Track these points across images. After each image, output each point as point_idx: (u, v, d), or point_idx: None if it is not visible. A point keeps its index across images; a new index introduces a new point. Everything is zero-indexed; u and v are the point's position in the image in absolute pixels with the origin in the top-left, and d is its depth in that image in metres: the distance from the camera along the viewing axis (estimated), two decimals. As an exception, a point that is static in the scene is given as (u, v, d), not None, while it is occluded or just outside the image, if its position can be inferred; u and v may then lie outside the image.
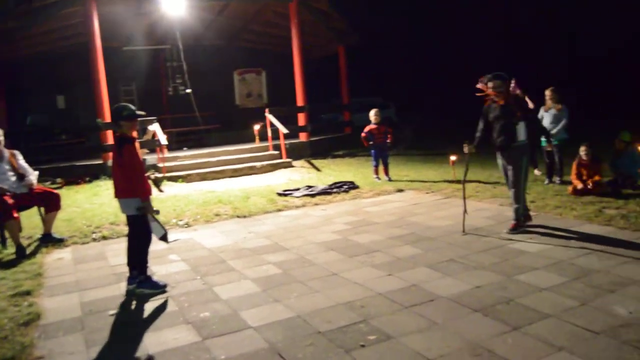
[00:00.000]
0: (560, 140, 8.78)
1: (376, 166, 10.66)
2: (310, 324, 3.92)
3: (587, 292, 4.20)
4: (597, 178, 7.81)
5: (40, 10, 12.31)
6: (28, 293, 4.95)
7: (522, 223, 6.19)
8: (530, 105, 9.49)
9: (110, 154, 11.81)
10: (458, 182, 6.60)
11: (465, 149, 6.28)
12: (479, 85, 6.20)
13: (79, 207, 8.94)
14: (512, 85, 9.35)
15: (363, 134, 10.65)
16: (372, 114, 10.63)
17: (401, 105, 25.23)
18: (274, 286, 4.84)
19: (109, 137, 12.34)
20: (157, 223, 5.04)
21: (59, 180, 11.64)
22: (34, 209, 6.98)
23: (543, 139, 8.92)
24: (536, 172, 9.72)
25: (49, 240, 6.75)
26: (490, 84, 6.08)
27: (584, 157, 8.06)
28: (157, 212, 5.08)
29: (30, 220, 7.43)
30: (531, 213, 6.68)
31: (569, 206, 7.15)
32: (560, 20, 28.01)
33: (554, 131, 8.74)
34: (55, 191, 7.11)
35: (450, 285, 4.56)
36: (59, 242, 6.77)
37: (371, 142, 10.57)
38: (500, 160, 6.35)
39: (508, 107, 6.06)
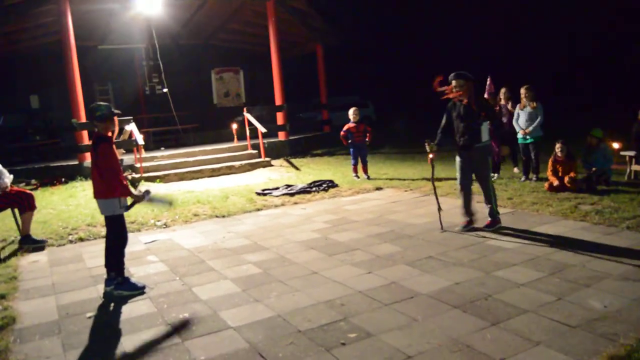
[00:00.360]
0: (536, 138, 8.89)
1: (355, 164, 10.68)
2: (290, 323, 3.92)
3: (563, 287, 4.27)
4: (572, 175, 7.93)
5: (12, 8, 12.04)
6: (3, 297, 4.86)
7: (498, 219, 6.25)
8: (512, 109, 9.51)
9: (87, 155, 11.68)
10: (436, 179, 6.63)
11: (428, 148, 6.24)
12: (444, 88, 6.17)
13: (54, 208, 8.80)
14: (488, 84, 9.48)
15: (342, 133, 10.67)
16: (351, 112, 10.64)
17: (383, 103, 25.35)
18: (254, 286, 4.82)
19: (85, 138, 12.17)
20: (159, 200, 5.16)
21: (33, 181, 11.43)
22: (8, 211, 6.84)
23: (520, 135, 9.03)
24: (515, 170, 9.83)
25: (28, 242, 6.62)
26: (453, 83, 6.06)
27: (559, 154, 8.18)
28: (148, 192, 5.04)
29: (4, 222, 7.30)
30: (509, 210, 6.75)
31: (545, 202, 7.25)
32: (552, 19, 28.44)
33: (529, 129, 8.85)
34: (29, 191, 6.96)
35: (429, 282, 4.60)
36: (39, 244, 6.64)
37: (350, 141, 10.59)
38: (459, 159, 6.27)
39: (472, 106, 6.03)
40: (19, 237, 6.78)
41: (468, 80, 6.04)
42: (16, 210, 6.74)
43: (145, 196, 4.94)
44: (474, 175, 6.30)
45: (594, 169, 8.18)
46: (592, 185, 7.91)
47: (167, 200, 5.24)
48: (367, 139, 10.65)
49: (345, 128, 10.62)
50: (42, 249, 6.57)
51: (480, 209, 6.43)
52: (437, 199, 6.46)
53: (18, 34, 14.68)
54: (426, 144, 6.26)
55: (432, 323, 3.76)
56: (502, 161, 9.80)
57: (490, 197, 6.19)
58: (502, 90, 9.71)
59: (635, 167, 8.74)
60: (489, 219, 6.23)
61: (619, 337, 3.33)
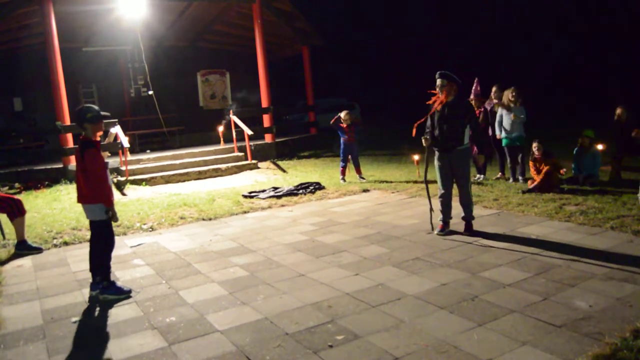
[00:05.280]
0: (520, 139, 8.94)
1: (344, 167, 10.56)
2: (278, 326, 3.91)
3: (549, 287, 4.30)
4: (545, 169, 8.03)
5: (-6, 9, 11.92)
6: (-14, 302, 4.80)
7: (472, 224, 6.22)
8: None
9: (72, 158, 11.58)
10: (423, 182, 6.58)
11: (424, 143, 6.16)
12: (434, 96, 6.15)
13: (38, 212, 8.71)
14: (475, 85, 9.53)
15: (332, 121, 10.40)
16: (343, 114, 10.53)
17: (370, 105, 25.42)
18: (241, 289, 4.81)
19: (69, 140, 12.06)
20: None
21: (17, 185, 11.30)
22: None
23: (503, 136, 9.07)
24: (499, 175, 9.84)
25: (24, 248, 6.49)
26: (438, 82, 6.00)
27: (536, 153, 8.30)
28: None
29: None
30: (495, 211, 6.77)
31: (531, 203, 7.31)
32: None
33: (516, 132, 8.90)
34: (15, 196, 6.85)
35: (416, 284, 4.61)
36: (35, 251, 6.52)
37: (341, 140, 10.37)
38: (439, 162, 6.21)
39: (455, 108, 5.97)
40: (3, 242, 6.71)
41: (452, 81, 5.99)
42: (3, 216, 6.62)
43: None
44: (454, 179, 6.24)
45: (580, 175, 8.29)
46: (577, 184, 8.05)
47: None
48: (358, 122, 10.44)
49: (336, 120, 10.41)
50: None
51: (457, 213, 6.40)
52: (429, 199, 6.38)
53: (1, 35, 14.52)
54: (423, 139, 6.18)
55: (419, 324, 3.77)
56: (488, 163, 9.84)
57: (468, 202, 6.17)
58: (493, 89, 9.68)
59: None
60: (465, 223, 6.21)
61: (603, 337, 3.36)
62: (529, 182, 8.29)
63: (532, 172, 8.36)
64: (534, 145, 8.36)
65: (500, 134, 9.13)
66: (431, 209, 6.37)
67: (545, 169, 8.03)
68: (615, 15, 25.97)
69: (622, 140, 8.70)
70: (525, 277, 4.59)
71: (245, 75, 18.99)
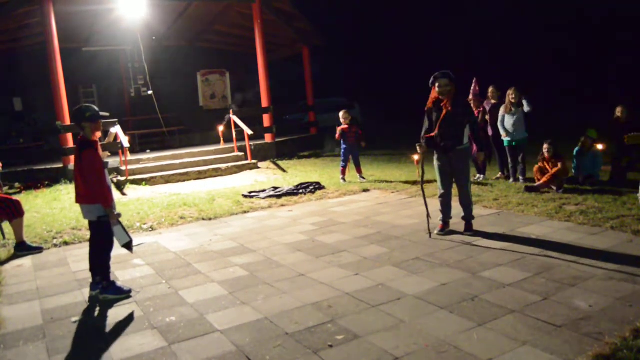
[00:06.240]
0: (522, 140, 8.93)
1: (344, 167, 10.57)
2: (278, 326, 3.91)
3: (549, 287, 4.30)
4: (554, 170, 8.04)
5: (-6, 10, 11.92)
6: (-14, 302, 4.80)
7: (472, 224, 6.21)
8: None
9: (72, 157, 11.57)
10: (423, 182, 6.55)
11: (419, 150, 6.13)
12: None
13: (38, 212, 8.70)
14: (473, 85, 9.51)
15: (337, 136, 10.50)
16: (342, 115, 10.55)
17: (369, 104, 25.40)
18: (241, 288, 4.81)
19: (69, 140, 12.06)
20: (122, 230, 4.89)
21: (17, 185, 11.30)
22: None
23: (506, 138, 9.06)
24: (499, 174, 9.84)
25: (23, 249, 6.48)
26: (438, 83, 5.91)
27: (547, 154, 8.29)
28: (119, 215, 4.94)
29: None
30: (495, 210, 6.77)
31: (531, 203, 7.31)
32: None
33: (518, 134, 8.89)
34: (14, 197, 6.84)
35: (416, 284, 4.61)
36: (35, 251, 6.50)
37: (342, 141, 10.45)
38: (439, 162, 6.16)
39: (454, 107, 5.89)
40: (3, 242, 6.71)
41: (453, 81, 5.93)
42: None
43: (116, 219, 4.80)
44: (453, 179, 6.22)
45: (580, 177, 8.31)
46: (577, 184, 8.05)
47: (128, 237, 4.88)
48: (362, 144, 10.56)
49: (339, 129, 10.50)
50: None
51: (456, 213, 6.40)
52: (426, 205, 6.28)
53: (1, 35, 14.52)
54: (418, 147, 6.13)
55: (419, 324, 3.77)
56: (488, 163, 9.84)
57: (468, 202, 6.15)
58: (490, 90, 9.68)
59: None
60: (465, 223, 6.20)
61: (603, 336, 3.36)
62: (535, 167, 8.34)
63: (541, 167, 8.35)
64: (545, 146, 8.35)
65: (505, 135, 9.10)
66: (428, 215, 6.22)
67: (553, 170, 8.02)
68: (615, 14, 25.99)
69: (621, 141, 8.66)
70: (525, 277, 4.59)
71: (245, 75, 18.98)
